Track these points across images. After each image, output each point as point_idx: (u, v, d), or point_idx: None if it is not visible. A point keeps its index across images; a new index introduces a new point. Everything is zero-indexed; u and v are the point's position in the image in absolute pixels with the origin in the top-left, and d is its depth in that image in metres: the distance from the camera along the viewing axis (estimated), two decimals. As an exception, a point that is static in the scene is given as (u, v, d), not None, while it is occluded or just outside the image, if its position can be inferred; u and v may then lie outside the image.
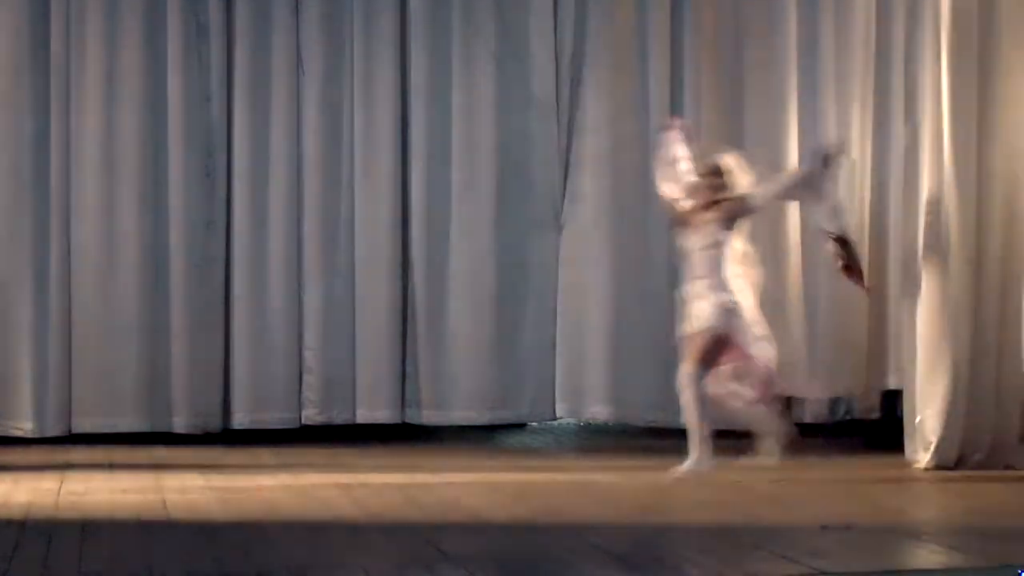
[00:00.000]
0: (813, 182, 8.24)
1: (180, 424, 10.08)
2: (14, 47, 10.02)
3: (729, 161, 8.35)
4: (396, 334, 10.32)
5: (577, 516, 6.94)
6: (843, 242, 8.32)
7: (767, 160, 10.20)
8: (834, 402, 10.40)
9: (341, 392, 10.27)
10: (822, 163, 8.24)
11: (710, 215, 8.25)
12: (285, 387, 10.23)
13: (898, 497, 7.89)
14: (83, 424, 10.04)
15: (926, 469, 8.51)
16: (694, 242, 8.30)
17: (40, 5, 10.06)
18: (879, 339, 9.66)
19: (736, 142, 10.40)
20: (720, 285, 8.17)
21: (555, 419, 10.54)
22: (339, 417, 10.27)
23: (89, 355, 10.04)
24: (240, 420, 10.18)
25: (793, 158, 10.09)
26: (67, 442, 9.88)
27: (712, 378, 8.17)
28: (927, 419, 8.58)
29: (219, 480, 8.23)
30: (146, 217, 10.13)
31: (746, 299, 8.25)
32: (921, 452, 8.61)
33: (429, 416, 10.32)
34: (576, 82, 10.46)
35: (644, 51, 10.41)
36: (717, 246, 8.21)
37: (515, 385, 10.38)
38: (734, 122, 10.41)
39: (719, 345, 8.16)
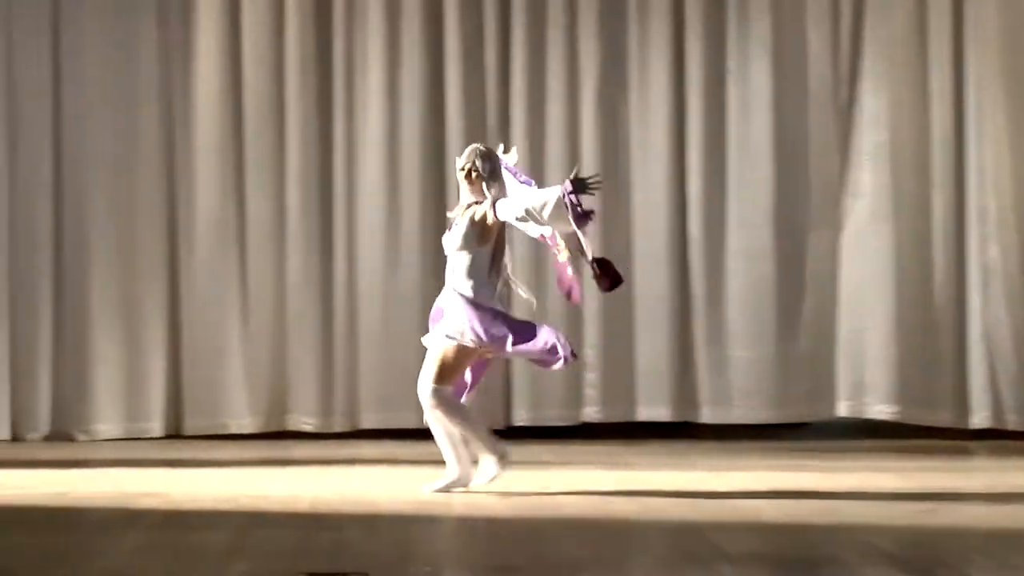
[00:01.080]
0: (559, 205, 7.34)
1: (472, 421, 10.23)
2: (300, 49, 10.28)
3: (487, 161, 7.66)
4: (675, 332, 10.31)
5: (856, 517, 6.85)
6: (600, 263, 7.44)
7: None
8: None
9: (622, 390, 10.29)
10: (569, 186, 7.36)
11: (466, 215, 7.59)
12: (566, 384, 10.30)
13: None
14: (368, 420, 10.27)
15: None
16: (449, 243, 7.61)
17: (324, 7, 10.31)
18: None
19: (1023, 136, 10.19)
20: (469, 293, 7.49)
21: (836, 418, 10.40)
22: (618, 415, 10.30)
23: (373, 353, 10.24)
24: (521, 417, 10.29)
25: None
26: (352, 437, 10.12)
27: (460, 390, 7.60)
28: None
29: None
30: (427, 218, 10.29)
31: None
32: None
33: (707, 414, 10.29)
34: (854, 75, 10.31)
35: (924, 44, 10.22)
36: (468, 249, 7.51)
37: (794, 383, 10.28)
38: (1022, 115, 10.16)
39: (465, 357, 7.52)
